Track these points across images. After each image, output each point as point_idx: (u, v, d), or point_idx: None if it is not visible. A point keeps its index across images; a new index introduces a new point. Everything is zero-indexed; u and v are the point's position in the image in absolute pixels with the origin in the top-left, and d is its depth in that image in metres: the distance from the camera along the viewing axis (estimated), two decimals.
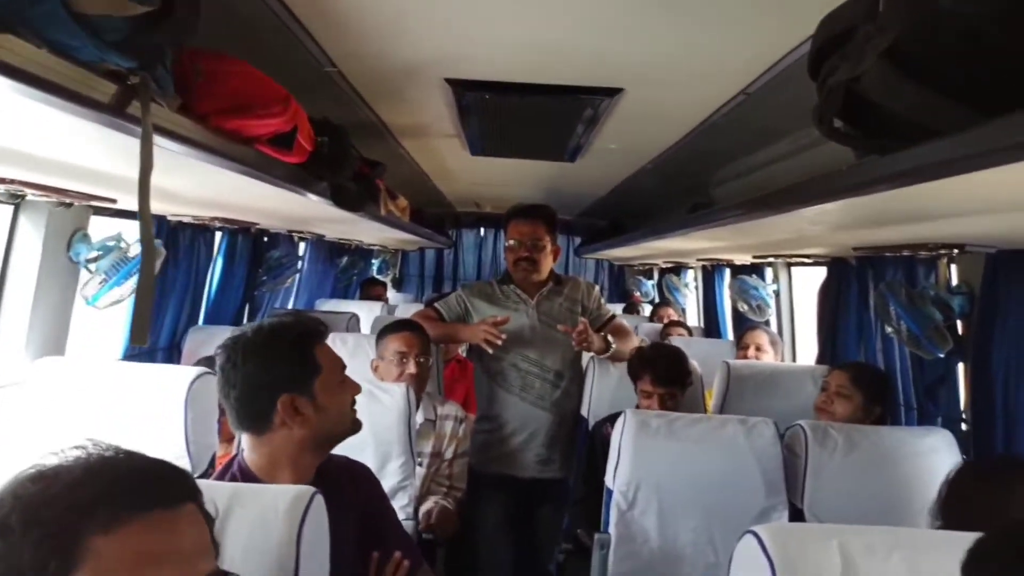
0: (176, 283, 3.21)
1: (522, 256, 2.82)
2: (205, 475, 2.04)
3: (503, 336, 2.67)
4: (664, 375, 2.54)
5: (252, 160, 1.68)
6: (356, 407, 1.57)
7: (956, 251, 1.99)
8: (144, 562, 0.74)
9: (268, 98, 1.51)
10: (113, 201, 2.27)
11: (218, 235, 3.56)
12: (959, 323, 2.20)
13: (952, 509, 1.56)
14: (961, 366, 2.23)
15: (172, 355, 3.27)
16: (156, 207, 2.69)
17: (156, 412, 2.00)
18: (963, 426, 2.20)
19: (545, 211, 2.90)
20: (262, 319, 3.83)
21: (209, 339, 3.17)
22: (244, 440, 1.50)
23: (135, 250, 2.72)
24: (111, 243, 2.47)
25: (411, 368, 2.48)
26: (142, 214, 1.12)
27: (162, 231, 2.95)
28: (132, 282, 2.72)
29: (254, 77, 1.49)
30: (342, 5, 1.69)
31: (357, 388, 1.56)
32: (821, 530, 1.02)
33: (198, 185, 2.07)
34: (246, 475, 1.45)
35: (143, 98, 1.13)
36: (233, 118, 1.43)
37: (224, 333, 3.16)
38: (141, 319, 1.12)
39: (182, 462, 2.00)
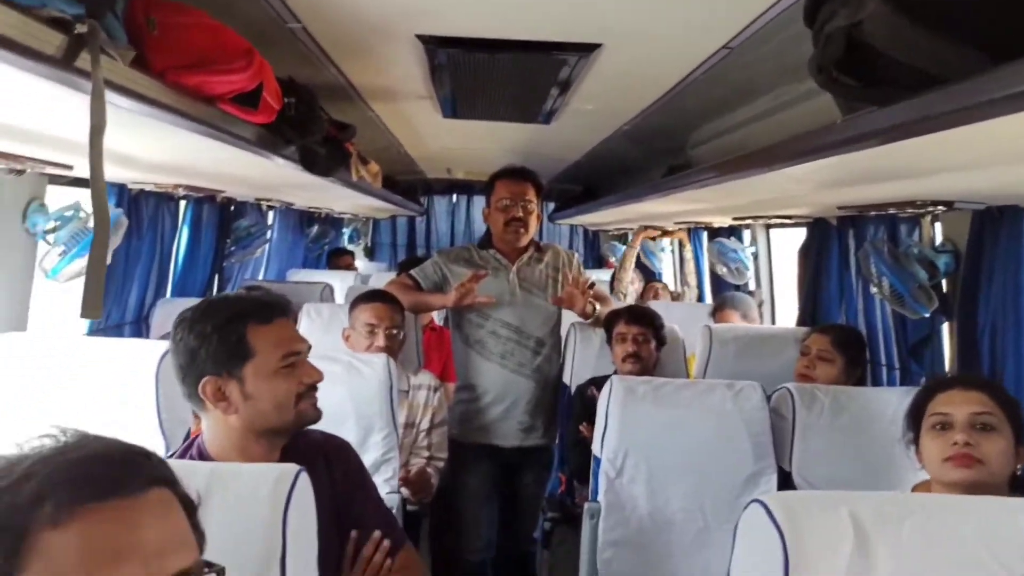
0: (141, 254, 3.10)
1: (515, 216, 2.75)
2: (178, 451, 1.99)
3: (477, 294, 2.63)
4: (636, 315, 2.71)
5: (215, 119, 1.57)
6: (313, 396, 1.45)
7: (943, 208, 1.96)
8: (99, 559, 0.66)
9: (230, 52, 1.41)
10: (69, 168, 2.15)
11: (183, 204, 3.43)
12: (943, 282, 2.18)
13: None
14: (946, 325, 2.22)
15: (141, 329, 3.19)
16: (114, 174, 2.57)
17: (126, 389, 1.93)
18: None
19: (534, 175, 2.85)
20: (228, 291, 3.74)
21: (178, 312, 3.07)
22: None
23: None
24: (69, 213, 2.36)
25: (380, 341, 2.41)
26: (93, 176, 1.03)
27: (123, 199, 2.83)
28: None
29: (214, 29, 1.39)
30: None
31: (314, 375, 1.44)
32: (829, 498, 0.99)
33: (158, 148, 1.96)
34: (203, 456, 1.39)
35: (92, 49, 1.03)
36: (192, 74, 1.33)
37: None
38: (93, 290, 1.04)
39: (155, 440, 1.94)
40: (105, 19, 1.03)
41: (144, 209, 3.02)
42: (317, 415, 1.46)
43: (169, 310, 3.14)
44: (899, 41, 1.06)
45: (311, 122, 2.14)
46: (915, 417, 1.61)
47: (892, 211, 2.15)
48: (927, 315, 2.17)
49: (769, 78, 2.31)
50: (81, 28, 0.99)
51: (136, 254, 3.05)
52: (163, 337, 2.85)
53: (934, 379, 1.61)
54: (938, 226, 2.23)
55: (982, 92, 0.97)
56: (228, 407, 1.34)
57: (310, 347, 1.49)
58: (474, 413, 2.80)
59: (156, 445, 1.95)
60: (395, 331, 2.47)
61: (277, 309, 1.44)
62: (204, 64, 1.35)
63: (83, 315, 1.06)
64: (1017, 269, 1.83)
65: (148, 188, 2.90)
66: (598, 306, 2.82)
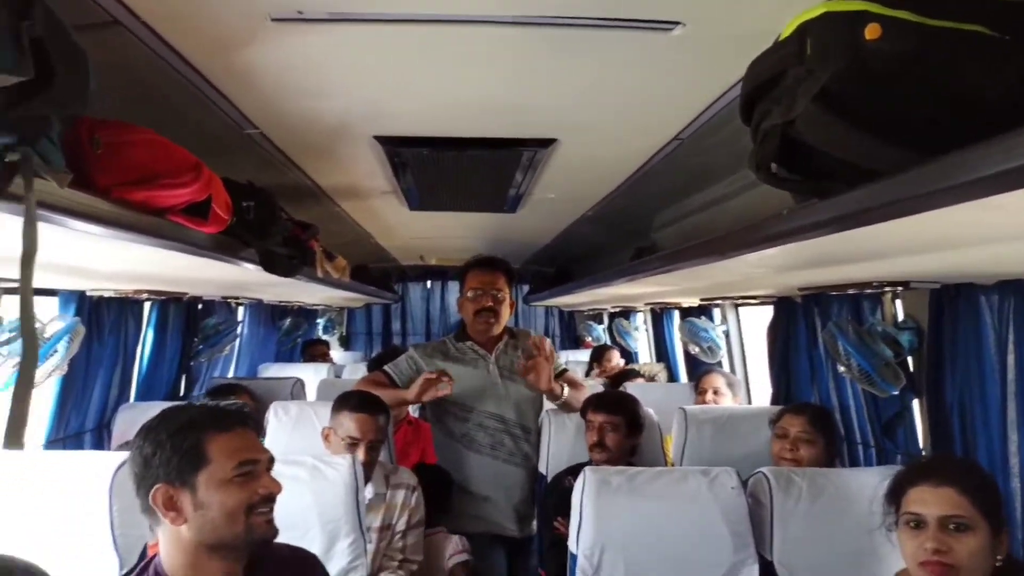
0: (102, 360, 3.02)
1: (485, 306, 2.73)
2: (133, 570, 1.89)
3: (445, 379, 2.56)
4: (606, 402, 2.60)
5: (166, 231, 1.56)
6: (268, 510, 1.38)
7: (900, 288, 1.97)
8: None
9: (176, 167, 1.41)
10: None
11: (147, 305, 3.38)
12: (909, 359, 2.17)
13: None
14: (916, 402, 2.20)
15: (102, 436, 3.07)
16: (70, 283, 2.54)
17: (79, 503, 1.86)
18: None
19: (504, 263, 2.84)
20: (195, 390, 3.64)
21: (141, 417, 2.88)
22: None
23: (52, 328, 2.56)
24: None
25: (361, 456, 2.29)
26: (23, 302, 1.00)
27: (83, 307, 2.78)
28: (52, 362, 2.55)
29: (160, 145, 1.39)
30: (257, 67, 1.62)
31: (272, 487, 1.38)
32: None
33: (111, 260, 1.94)
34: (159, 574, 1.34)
35: (26, 175, 1.02)
36: (138, 190, 1.32)
37: (157, 410, 3.00)
38: (17, 419, 0.99)
39: (107, 557, 1.85)
40: (40, 144, 1.03)
41: (105, 315, 2.96)
42: (270, 532, 1.39)
43: (131, 416, 3.04)
44: (830, 138, 1.07)
45: (271, 224, 2.14)
46: (892, 503, 1.58)
47: (852, 291, 2.17)
48: (896, 393, 2.15)
49: (723, 164, 2.36)
50: (13, 156, 0.98)
51: (97, 360, 2.97)
52: (122, 446, 2.75)
53: (907, 468, 1.57)
54: (899, 303, 2.24)
55: (913, 187, 0.99)
56: (177, 517, 1.30)
57: (272, 459, 1.44)
58: (468, 503, 2.74)
59: (110, 564, 1.85)
60: (377, 444, 2.37)
61: (237, 418, 1.42)
62: (151, 179, 1.35)
63: (7, 446, 1.01)
64: (978, 345, 1.82)
65: (108, 294, 2.86)
66: (567, 389, 2.75)
